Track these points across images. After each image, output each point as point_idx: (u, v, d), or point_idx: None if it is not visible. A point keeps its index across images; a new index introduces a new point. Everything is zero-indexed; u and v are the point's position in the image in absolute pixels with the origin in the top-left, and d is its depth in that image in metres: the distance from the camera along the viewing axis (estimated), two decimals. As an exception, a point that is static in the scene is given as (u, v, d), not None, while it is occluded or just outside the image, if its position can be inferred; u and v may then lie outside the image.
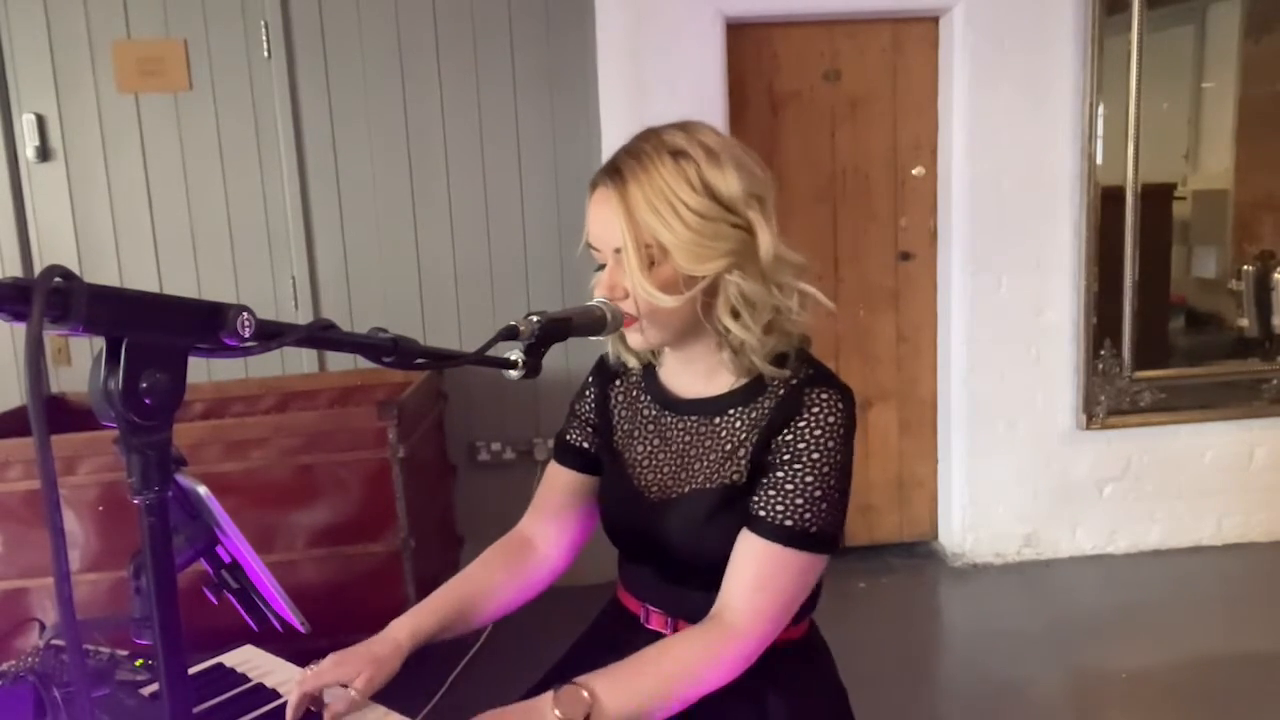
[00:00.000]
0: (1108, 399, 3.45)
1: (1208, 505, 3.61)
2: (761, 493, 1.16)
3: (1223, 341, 3.59)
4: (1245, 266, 3.52)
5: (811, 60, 3.39)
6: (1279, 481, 3.62)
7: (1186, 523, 3.62)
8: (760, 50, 3.35)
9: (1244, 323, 3.53)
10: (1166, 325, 3.57)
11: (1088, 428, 3.47)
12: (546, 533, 1.38)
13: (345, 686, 1.17)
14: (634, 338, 1.21)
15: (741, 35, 3.29)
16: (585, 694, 1.06)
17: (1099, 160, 3.32)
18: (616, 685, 1.09)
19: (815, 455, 1.15)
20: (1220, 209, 3.55)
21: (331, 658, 1.19)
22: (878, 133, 3.46)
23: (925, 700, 2.73)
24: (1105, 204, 3.34)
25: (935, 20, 3.39)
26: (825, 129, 3.43)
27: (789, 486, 1.14)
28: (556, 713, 1.05)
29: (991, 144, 3.33)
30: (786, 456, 1.15)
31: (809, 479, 1.14)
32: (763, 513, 1.15)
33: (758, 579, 1.15)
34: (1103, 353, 3.43)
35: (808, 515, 1.14)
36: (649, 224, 1.12)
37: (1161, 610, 3.21)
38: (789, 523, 1.14)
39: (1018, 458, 3.52)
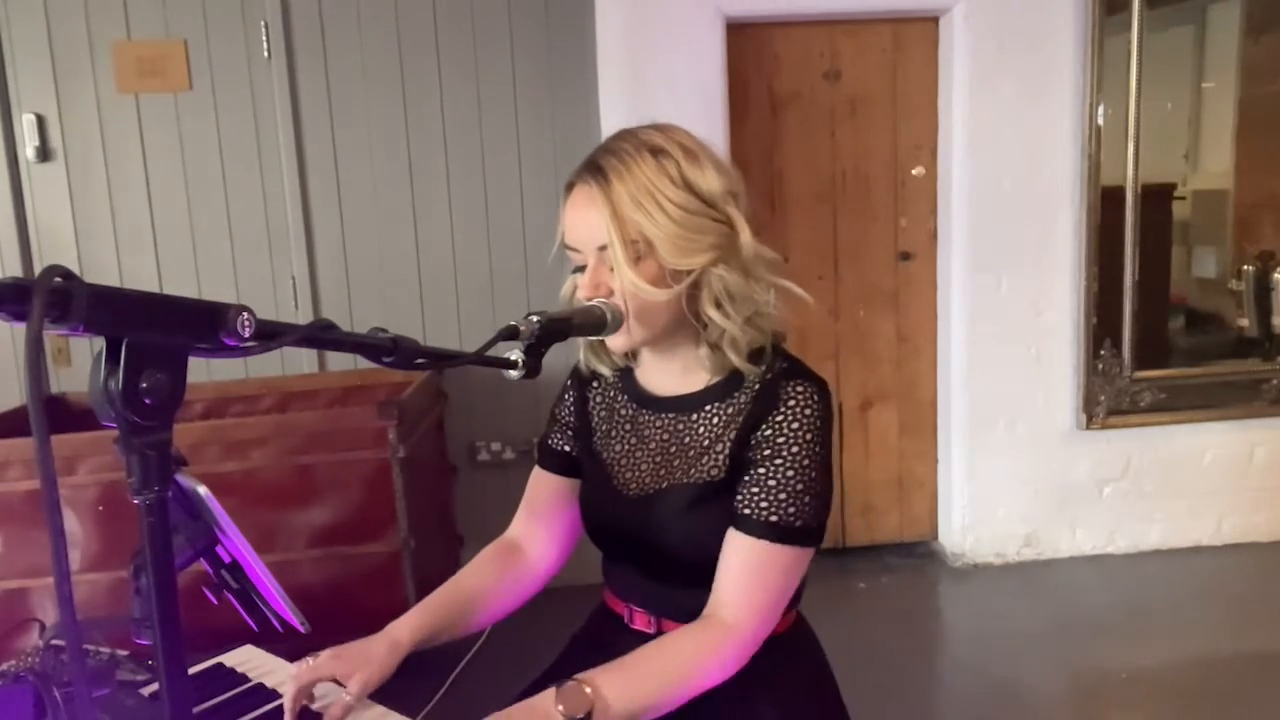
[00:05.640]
0: (1108, 399, 3.45)
1: (1208, 505, 3.61)
2: (745, 490, 1.17)
3: (1223, 341, 3.59)
4: (1245, 266, 3.51)
5: (811, 60, 3.39)
6: (1279, 482, 3.62)
7: (1186, 523, 3.62)
8: (760, 50, 3.35)
9: (1244, 323, 3.53)
10: (1166, 325, 3.57)
11: (1088, 428, 3.47)
12: (536, 535, 1.40)
13: (340, 684, 1.16)
14: (618, 340, 1.20)
15: (741, 35, 3.29)
16: (588, 690, 1.07)
17: (1099, 160, 3.31)
18: (619, 681, 1.10)
19: (795, 449, 1.16)
20: (1220, 209, 3.55)
21: (328, 652, 1.19)
22: (878, 133, 3.45)
23: (925, 700, 2.73)
24: (1105, 204, 3.34)
25: (935, 20, 3.39)
26: (825, 129, 3.43)
27: (771, 482, 1.15)
28: (560, 709, 1.06)
29: (991, 144, 3.33)
30: (767, 452, 1.16)
31: (790, 473, 1.15)
32: (748, 510, 1.16)
33: (748, 576, 1.16)
34: (1103, 353, 3.43)
35: (792, 510, 1.15)
36: (634, 219, 1.12)
37: (1161, 610, 3.21)
38: (775, 519, 1.15)
39: (1018, 458, 3.52)
